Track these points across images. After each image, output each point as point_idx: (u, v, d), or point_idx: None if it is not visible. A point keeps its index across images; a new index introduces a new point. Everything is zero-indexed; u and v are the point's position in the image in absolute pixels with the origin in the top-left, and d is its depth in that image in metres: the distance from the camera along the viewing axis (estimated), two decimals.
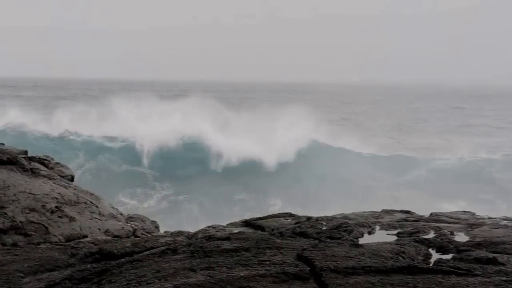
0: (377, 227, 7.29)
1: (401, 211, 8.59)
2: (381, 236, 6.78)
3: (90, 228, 7.38)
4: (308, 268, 4.78)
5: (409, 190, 21.31)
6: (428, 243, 6.17)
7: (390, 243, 6.08)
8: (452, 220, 7.73)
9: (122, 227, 7.69)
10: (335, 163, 23.17)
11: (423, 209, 8.93)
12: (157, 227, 8.39)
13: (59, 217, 7.26)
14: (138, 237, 7.57)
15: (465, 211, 8.60)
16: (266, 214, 8.94)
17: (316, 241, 5.91)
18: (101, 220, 7.59)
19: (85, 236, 7.17)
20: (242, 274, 4.59)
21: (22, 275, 5.32)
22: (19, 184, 7.51)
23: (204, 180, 21.32)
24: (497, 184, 22.26)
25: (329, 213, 8.61)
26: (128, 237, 7.48)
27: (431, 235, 6.76)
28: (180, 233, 7.77)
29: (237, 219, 9.03)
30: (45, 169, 8.38)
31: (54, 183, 7.97)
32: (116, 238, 7.24)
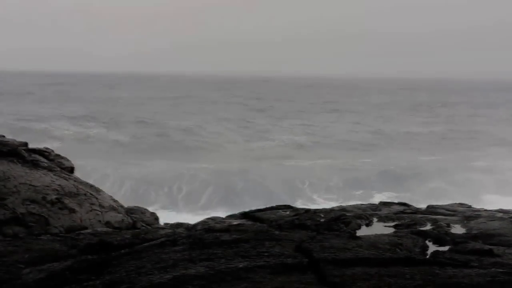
0: (375, 219, 7.33)
1: (399, 204, 8.63)
2: (379, 228, 6.82)
3: (90, 219, 7.40)
4: (307, 259, 4.82)
5: None
6: (425, 235, 6.21)
7: (387, 235, 6.12)
8: (449, 212, 7.76)
9: (122, 219, 7.72)
10: None
11: None
12: (156, 219, 8.41)
13: (60, 208, 7.28)
14: (138, 228, 7.59)
15: (461, 204, 8.64)
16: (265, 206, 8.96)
17: (314, 233, 5.95)
18: (101, 212, 7.62)
19: (85, 228, 7.20)
20: (241, 266, 4.63)
21: (22, 266, 5.35)
22: (19, 176, 7.53)
23: None
24: None
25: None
26: (128, 228, 7.51)
27: (428, 227, 6.80)
28: (179, 224, 7.80)
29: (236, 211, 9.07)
30: (46, 160, 8.40)
31: (54, 174, 7.99)
32: (116, 230, 7.27)
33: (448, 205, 8.44)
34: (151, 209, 19.19)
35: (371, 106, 70.87)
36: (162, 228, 7.63)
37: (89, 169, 23.76)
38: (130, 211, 8.27)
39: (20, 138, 9.07)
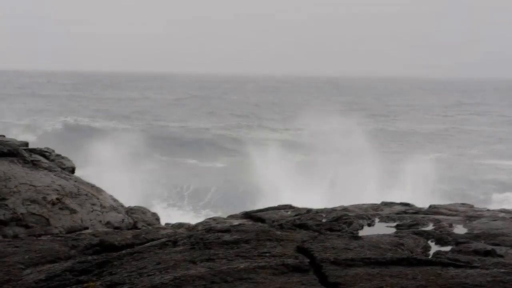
0: (377, 219, 7.30)
1: (401, 204, 8.59)
2: (381, 228, 6.79)
3: (91, 220, 7.39)
4: (308, 260, 4.79)
5: None
6: (427, 235, 6.18)
7: (389, 235, 6.09)
8: (451, 212, 7.73)
9: (123, 219, 7.70)
10: None
11: None
12: (157, 219, 8.39)
13: (60, 209, 7.27)
14: (139, 229, 7.57)
15: (463, 203, 8.61)
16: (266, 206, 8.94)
17: (316, 233, 5.92)
18: (102, 212, 7.60)
19: (86, 228, 7.18)
20: (242, 266, 4.61)
21: (23, 266, 5.33)
22: (20, 176, 7.51)
23: None
24: None
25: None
26: (129, 229, 7.49)
27: (430, 227, 6.77)
28: (180, 225, 7.78)
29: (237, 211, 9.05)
30: (46, 161, 8.38)
31: (55, 175, 7.97)
32: (117, 230, 7.25)
33: (450, 205, 8.41)
34: (159, 207, 19.47)
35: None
36: (163, 228, 7.61)
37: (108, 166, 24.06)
38: (130, 211, 8.24)
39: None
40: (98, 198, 7.86)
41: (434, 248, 5.79)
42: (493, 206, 8.63)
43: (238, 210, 9.22)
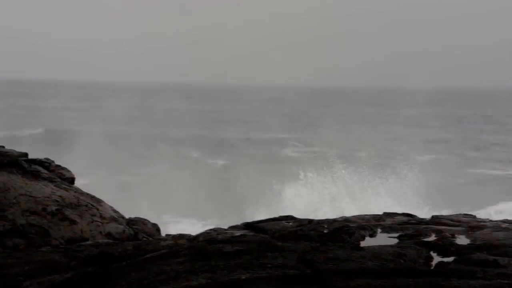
0: (379, 230, 7.28)
1: (403, 214, 8.57)
2: (383, 239, 6.77)
3: (91, 231, 7.37)
4: (310, 270, 4.79)
5: None
6: (429, 246, 6.16)
7: (391, 245, 6.07)
8: (453, 223, 7.70)
9: (124, 230, 7.68)
10: None
11: None
12: (158, 230, 8.37)
13: (60, 220, 7.25)
14: (139, 240, 7.55)
15: (465, 214, 8.58)
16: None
17: (318, 244, 5.91)
18: (102, 223, 7.58)
19: (86, 239, 7.16)
20: (243, 277, 4.60)
21: (22, 278, 5.31)
22: (19, 187, 7.50)
23: None
24: None
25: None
26: (129, 240, 7.47)
27: (432, 238, 6.74)
28: (181, 236, 7.75)
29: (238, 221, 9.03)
30: (46, 171, 8.36)
31: (54, 185, 7.95)
32: (117, 241, 7.23)
33: (452, 215, 8.39)
34: (167, 216, 19.50)
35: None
36: (164, 239, 7.58)
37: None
38: (131, 222, 8.23)
39: None
40: (98, 209, 7.84)
41: (436, 259, 5.76)
42: (496, 217, 8.62)
43: (241, 220, 9.20)
